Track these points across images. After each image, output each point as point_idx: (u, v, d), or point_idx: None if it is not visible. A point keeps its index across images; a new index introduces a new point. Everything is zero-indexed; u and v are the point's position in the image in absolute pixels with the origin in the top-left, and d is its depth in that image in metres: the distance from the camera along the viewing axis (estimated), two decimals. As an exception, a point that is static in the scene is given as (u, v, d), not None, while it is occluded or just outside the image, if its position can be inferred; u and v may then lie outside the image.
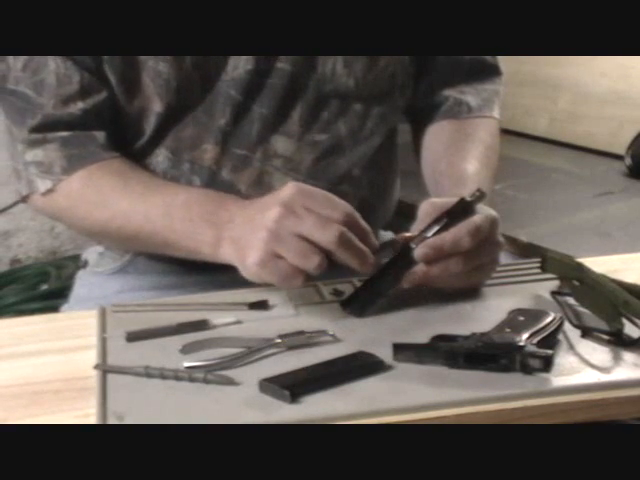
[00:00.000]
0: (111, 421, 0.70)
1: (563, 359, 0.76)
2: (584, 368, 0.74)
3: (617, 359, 0.75)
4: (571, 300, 0.86)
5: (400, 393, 0.71)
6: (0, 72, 1.01)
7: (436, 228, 0.87)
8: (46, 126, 1.00)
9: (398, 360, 0.76)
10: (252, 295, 0.91)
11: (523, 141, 2.09)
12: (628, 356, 0.76)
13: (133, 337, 0.84)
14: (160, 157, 1.04)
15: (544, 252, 0.92)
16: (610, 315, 0.80)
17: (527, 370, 0.72)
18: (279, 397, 0.71)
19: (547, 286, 0.89)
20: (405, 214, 0.97)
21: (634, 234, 1.49)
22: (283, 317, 0.87)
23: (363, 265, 0.85)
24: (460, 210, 0.88)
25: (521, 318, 0.79)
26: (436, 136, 1.14)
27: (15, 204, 2.36)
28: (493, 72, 1.19)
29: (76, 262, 1.26)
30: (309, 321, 0.85)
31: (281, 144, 1.04)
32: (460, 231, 0.86)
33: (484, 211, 0.89)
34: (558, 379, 0.72)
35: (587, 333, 0.79)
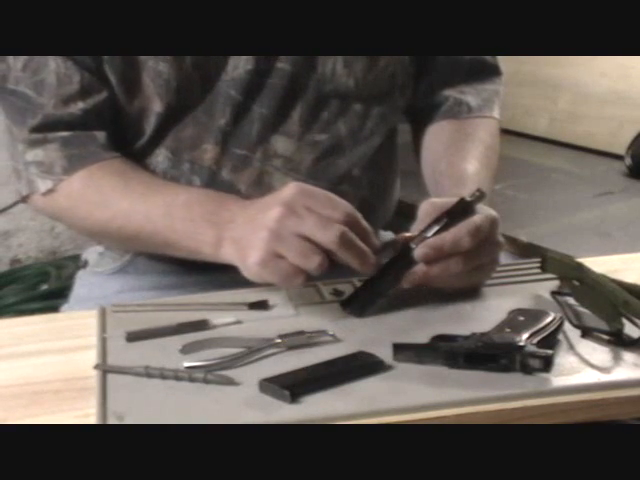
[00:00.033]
0: (111, 421, 0.70)
1: (563, 359, 0.76)
2: (584, 368, 0.74)
3: (617, 359, 0.75)
4: (571, 300, 0.86)
5: (400, 393, 0.71)
6: (0, 72, 1.01)
7: (436, 228, 0.87)
8: (46, 126, 1.00)
9: (398, 360, 0.76)
10: (252, 295, 0.91)
11: (523, 141, 2.09)
12: (628, 356, 0.76)
13: (133, 337, 0.84)
14: (160, 157, 1.04)
15: (544, 252, 0.92)
16: (610, 315, 0.80)
17: (527, 370, 0.72)
18: (279, 397, 0.71)
19: (547, 286, 0.89)
20: (405, 214, 0.97)
21: (634, 234, 1.49)
22: (283, 317, 0.87)
23: (364, 265, 0.85)
24: (460, 210, 0.88)
25: (521, 318, 0.79)
26: (436, 136, 1.14)
27: (15, 204, 2.36)
28: (493, 72, 1.19)
29: (76, 262, 1.26)
30: (309, 321, 0.85)
31: (281, 144, 1.04)
32: (460, 231, 0.86)
33: (484, 211, 0.89)
34: (558, 379, 0.72)
35: (587, 333, 0.79)
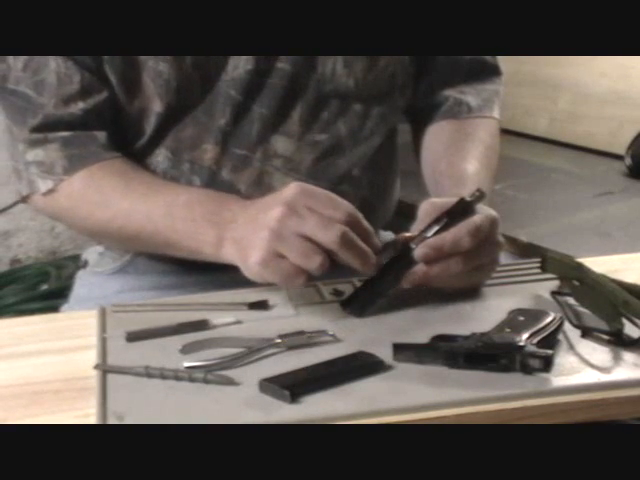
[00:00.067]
0: (111, 421, 0.70)
1: (563, 359, 0.76)
2: (584, 368, 0.74)
3: (617, 359, 0.75)
4: (571, 300, 0.86)
5: (400, 393, 0.71)
6: (0, 72, 1.01)
7: (436, 228, 0.87)
8: (47, 126, 1.00)
9: (398, 360, 0.76)
10: (252, 295, 0.91)
11: (523, 141, 2.09)
12: (628, 356, 0.76)
13: (133, 337, 0.84)
14: (160, 157, 1.04)
15: (544, 252, 0.92)
16: (610, 315, 0.80)
17: (527, 370, 0.72)
18: (279, 397, 0.71)
19: (547, 286, 0.89)
20: (405, 214, 0.97)
21: (634, 234, 1.49)
22: (283, 317, 0.87)
23: (365, 265, 0.85)
24: (460, 210, 0.88)
25: (521, 318, 0.79)
26: (436, 136, 1.14)
27: (15, 204, 2.36)
28: (493, 72, 1.19)
29: (76, 262, 1.26)
30: (309, 321, 0.85)
31: (281, 144, 1.04)
32: (460, 231, 0.86)
33: (484, 211, 0.89)
34: (558, 379, 0.72)
35: (587, 333, 0.79)
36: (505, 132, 1.32)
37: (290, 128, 1.04)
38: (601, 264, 0.91)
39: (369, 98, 1.07)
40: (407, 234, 0.89)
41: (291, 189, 0.86)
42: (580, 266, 0.86)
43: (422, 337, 0.78)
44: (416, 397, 0.71)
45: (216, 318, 0.86)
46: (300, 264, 0.83)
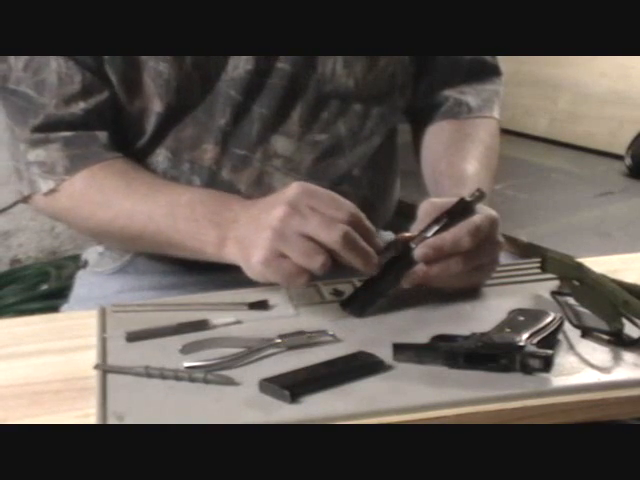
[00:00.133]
0: (111, 421, 0.70)
1: (563, 359, 0.76)
2: (584, 368, 0.74)
3: (617, 359, 0.75)
4: (571, 300, 0.86)
5: (400, 393, 0.71)
6: (1, 72, 1.01)
7: (436, 228, 0.87)
8: (48, 126, 1.00)
9: (398, 360, 0.76)
10: (252, 295, 0.91)
11: (523, 141, 2.09)
12: (628, 356, 0.76)
13: (133, 337, 0.84)
14: (160, 157, 1.05)
15: (544, 252, 0.92)
16: (610, 315, 0.80)
17: (527, 370, 0.72)
18: (279, 397, 0.71)
19: (547, 286, 0.89)
20: (405, 214, 0.97)
21: (634, 234, 1.49)
22: (283, 317, 0.87)
23: (367, 265, 0.85)
24: (460, 210, 0.88)
25: (521, 318, 0.79)
26: (436, 136, 1.14)
27: (15, 204, 2.36)
28: (493, 72, 1.19)
29: (76, 262, 1.26)
30: (309, 321, 0.85)
31: (281, 144, 1.04)
32: (460, 231, 0.86)
33: (484, 211, 0.89)
34: (558, 379, 0.72)
35: (587, 333, 0.79)
36: (505, 132, 1.32)
37: (290, 128, 1.04)
38: (601, 264, 0.91)
39: (369, 98, 1.07)
40: (407, 234, 0.89)
41: (293, 189, 0.86)
42: (580, 266, 0.86)
43: (422, 337, 0.78)
44: (416, 397, 0.71)
45: (216, 318, 0.86)
46: (302, 264, 0.83)
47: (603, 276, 0.84)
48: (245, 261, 0.87)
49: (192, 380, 0.74)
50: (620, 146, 1.86)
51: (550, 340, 0.77)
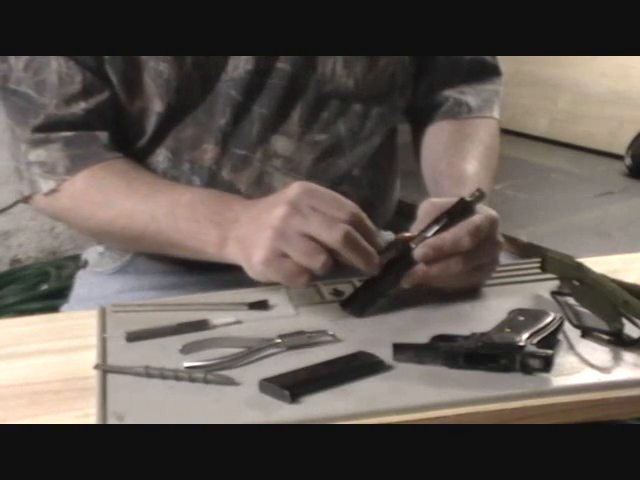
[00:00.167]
0: (111, 421, 0.70)
1: (563, 359, 0.76)
2: (584, 368, 0.74)
3: (617, 359, 0.75)
4: (571, 300, 0.86)
5: (400, 393, 0.71)
6: (2, 72, 1.01)
7: (436, 228, 0.87)
8: (49, 126, 1.00)
9: (398, 360, 0.76)
10: (252, 295, 0.91)
11: (523, 141, 2.09)
12: (628, 356, 0.76)
13: (133, 337, 0.84)
14: (160, 157, 1.05)
15: (544, 252, 0.92)
16: (610, 315, 0.80)
17: (527, 370, 0.72)
18: (279, 397, 0.71)
19: (547, 286, 0.89)
20: (405, 214, 0.97)
21: (634, 234, 1.49)
22: (283, 317, 0.87)
23: (368, 265, 0.85)
24: (460, 210, 0.88)
25: (521, 318, 0.79)
26: (436, 136, 1.14)
27: (15, 204, 2.36)
28: (493, 72, 1.19)
29: (76, 262, 1.26)
30: (309, 321, 0.85)
31: (281, 144, 1.04)
32: (460, 231, 0.86)
33: (484, 211, 0.89)
34: (558, 379, 0.72)
35: (587, 333, 0.79)
36: (505, 132, 1.32)
37: (290, 128, 1.04)
38: (601, 264, 0.91)
39: (369, 98, 1.07)
40: (407, 234, 0.89)
41: (295, 188, 0.86)
42: (580, 266, 0.86)
43: (422, 337, 0.78)
44: (416, 397, 0.71)
45: (216, 318, 0.86)
46: (303, 263, 0.83)
47: (603, 276, 0.84)
48: (246, 261, 0.87)
49: (192, 380, 0.74)
50: (620, 146, 1.86)
51: (550, 340, 0.77)
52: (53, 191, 1.00)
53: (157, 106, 1.02)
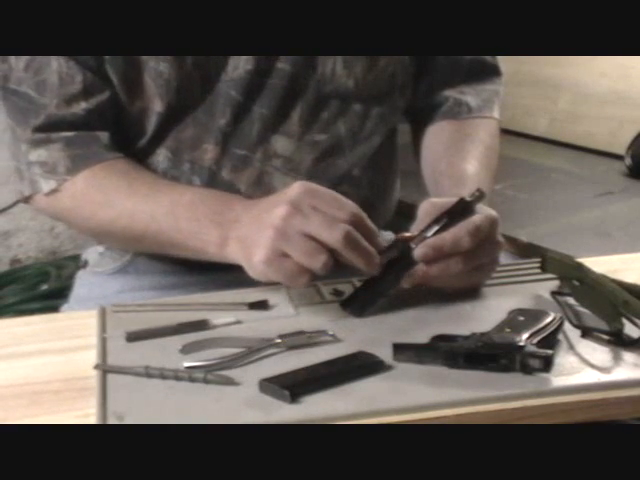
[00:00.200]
0: (111, 421, 0.70)
1: (563, 359, 0.76)
2: (584, 368, 0.74)
3: (617, 359, 0.75)
4: (571, 300, 0.86)
5: (400, 393, 0.71)
6: (2, 72, 1.01)
7: (436, 228, 0.87)
8: (50, 126, 1.00)
9: (398, 360, 0.76)
10: (252, 295, 0.91)
11: (523, 141, 2.09)
12: (628, 356, 0.76)
13: (133, 337, 0.84)
14: (160, 157, 1.05)
15: (544, 252, 0.92)
16: (610, 315, 0.80)
17: (527, 370, 0.72)
18: (279, 397, 0.71)
19: (547, 286, 0.89)
20: (405, 214, 0.97)
21: (634, 234, 1.49)
22: (283, 317, 0.87)
23: (369, 265, 0.85)
24: (460, 210, 0.88)
25: (521, 318, 0.79)
26: (436, 136, 1.14)
27: (15, 204, 2.36)
28: (493, 72, 1.19)
29: (76, 262, 1.26)
30: (309, 321, 0.85)
31: (281, 144, 1.04)
32: (460, 231, 0.86)
33: (484, 211, 0.89)
34: (558, 379, 0.72)
35: (587, 333, 0.79)
36: (505, 132, 1.32)
37: (290, 128, 1.04)
38: (601, 264, 0.91)
39: (369, 98, 1.07)
40: (407, 234, 0.89)
41: (295, 188, 0.86)
42: (580, 266, 0.86)
43: (422, 337, 0.78)
44: (416, 397, 0.71)
45: (216, 318, 0.86)
46: (304, 263, 0.83)
47: (603, 276, 0.84)
48: (247, 260, 0.87)
49: (192, 380, 0.74)
50: (620, 146, 1.86)
51: (550, 340, 0.77)
52: (54, 191, 1.00)
53: (157, 106, 1.02)
